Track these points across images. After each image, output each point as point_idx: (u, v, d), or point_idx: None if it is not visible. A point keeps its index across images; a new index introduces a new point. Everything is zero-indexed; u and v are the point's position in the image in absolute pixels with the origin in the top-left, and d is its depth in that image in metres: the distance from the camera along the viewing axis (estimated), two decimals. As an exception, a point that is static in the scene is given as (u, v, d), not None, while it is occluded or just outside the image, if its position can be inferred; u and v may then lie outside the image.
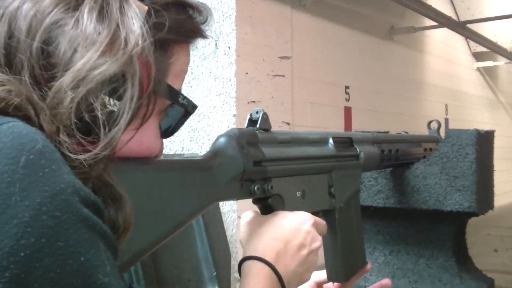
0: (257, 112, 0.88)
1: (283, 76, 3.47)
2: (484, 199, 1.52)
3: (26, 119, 0.51)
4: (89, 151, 0.54)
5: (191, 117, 2.62)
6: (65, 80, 0.54)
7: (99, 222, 0.50)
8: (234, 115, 2.62)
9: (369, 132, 1.29)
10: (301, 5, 3.75)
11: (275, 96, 3.37)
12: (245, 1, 3.02)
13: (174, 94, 0.69)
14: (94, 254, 0.48)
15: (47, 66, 0.55)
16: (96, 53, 0.56)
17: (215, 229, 2.09)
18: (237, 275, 2.59)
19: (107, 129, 0.56)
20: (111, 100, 0.58)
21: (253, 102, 3.12)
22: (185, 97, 0.70)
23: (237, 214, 2.59)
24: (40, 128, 0.51)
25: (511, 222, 5.15)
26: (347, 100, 4.25)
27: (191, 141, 2.50)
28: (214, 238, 2.06)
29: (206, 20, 0.73)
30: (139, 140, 0.64)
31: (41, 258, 0.44)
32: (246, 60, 3.03)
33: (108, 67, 0.56)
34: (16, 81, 0.53)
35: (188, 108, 0.71)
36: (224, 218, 2.30)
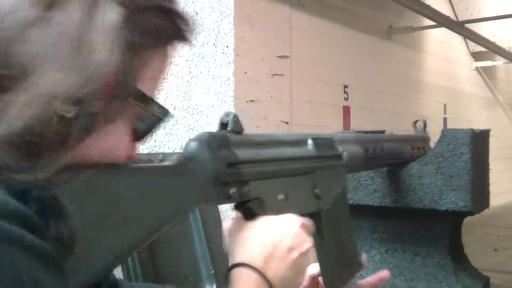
0: (227, 115, 0.87)
1: (282, 75, 3.47)
2: (479, 198, 1.53)
3: None
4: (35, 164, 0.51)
5: (189, 116, 2.63)
6: (17, 96, 0.51)
7: (23, 235, 0.47)
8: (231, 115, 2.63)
9: (351, 132, 1.29)
10: (300, 4, 3.75)
11: (273, 95, 3.38)
12: (243, 0, 3.03)
13: (146, 100, 0.65)
14: (22, 271, 0.45)
15: (2, 69, 0.52)
16: (54, 69, 0.53)
17: (213, 227, 2.10)
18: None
19: (70, 137, 0.54)
20: (69, 108, 0.54)
21: (252, 101, 3.13)
22: (157, 104, 0.67)
23: (235, 212, 2.60)
24: None
25: (508, 222, 5.16)
26: (346, 99, 4.25)
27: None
28: (212, 236, 2.07)
29: (188, 25, 0.69)
30: (105, 145, 0.62)
31: None
32: (244, 59, 3.04)
33: (67, 84, 0.53)
34: None
35: (160, 115, 0.68)
36: (222, 216, 2.31)
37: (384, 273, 1.11)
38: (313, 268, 1.03)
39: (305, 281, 1.04)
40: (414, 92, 5.39)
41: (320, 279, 1.05)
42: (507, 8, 5.75)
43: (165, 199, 0.71)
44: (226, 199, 0.81)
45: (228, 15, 2.80)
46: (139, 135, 0.69)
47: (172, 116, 0.71)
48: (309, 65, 3.82)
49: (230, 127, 0.86)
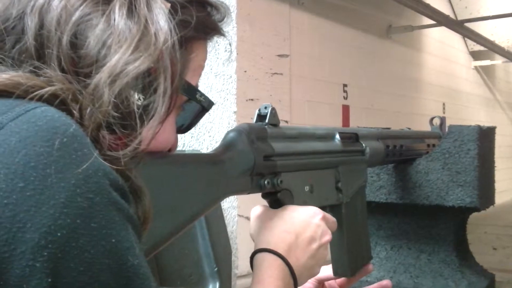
0: (265, 108, 0.89)
1: (281, 74, 3.47)
2: (485, 194, 1.53)
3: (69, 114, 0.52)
4: (125, 145, 0.55)
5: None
6: (102, 76, 0.54)
7: (127, 206, 0.51)
8: (235, 112, 2.63)
9: (374, 128, 1.30)
10: (299, 4, 3.75)
11: (273, 94, 3.38)
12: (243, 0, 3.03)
13: (192, 91, 0.69)
14: (125, 237, 0.49)
15: (75, 59, 0.56)
16: (129, 49, 0.56)
17: (216, 225, 2.10)
18: (237, 271, 2.60)
19: (144, 123, 0.57)
20: (145, 95, 0.58)
21: (251, 100, 3.13)
22: (202, 94, 0.71)
23: (237, 211, 2.60)
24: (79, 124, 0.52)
25: (507, 221, 5.17)
26: (345, 98, 4.26)
27: (192, 137, 2.50)
28: (215, 234, 2.07)
29: (223, 18, 0.73)
30: (162, 135, 0.65)
31: (76, 238, 0.45)
32: (244, 58, 3.04)
33: (142, 62, 0.56)
34: (63, 78, 0.54)
35: (205, 105, 0.72)
36: (224, 215, 2.31)
37: (386, 282, 1.12)
38: (323, 271, 1.04)
39: (312, 283, 1.06)
40: (413, 91, 5.40)
41: (327, 283, 1.08)
42: (506, 7, 5.76)
43: (204, 187, 0.73)
44: (260, 189, 0.85)
45: (231, 13, 2.80)
46: (185, 126, 0.74)
47: (214, 104, 0.74)
48: (309, 64, 3.82)
49: (268, 120, 0.88)
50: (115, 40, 0.57)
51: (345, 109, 4.25)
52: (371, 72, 4.58)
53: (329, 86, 4.08)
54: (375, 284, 1.12)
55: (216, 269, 2.01)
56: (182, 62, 0.65)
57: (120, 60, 0.56)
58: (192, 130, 2.89)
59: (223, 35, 0.74)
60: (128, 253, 0.49)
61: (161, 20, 0.60)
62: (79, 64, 0.56)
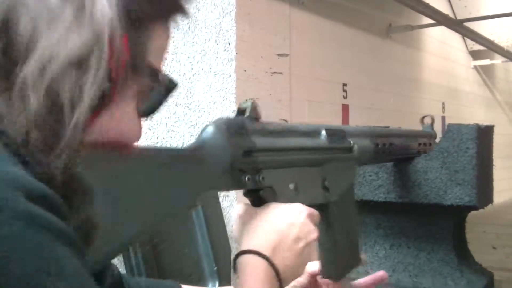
0: (246, 101, 0.86)
1: (281, 73, 3.47)
2: (484, 193, 1.53)
3: None
4: (56, 143, 0.49)
5: (191, 113, 2.63)
6: (30, 67, 0.49)
7: (54, 220, 0.45)
8: (234, 111, 2.63)
9: (364, 126, 1.28)
10: (299, 3, 3.75)
11: (273, 93, 3.38)
12: (243, -1, 3.03)
13: (154, 73, 0.64)
14: (45, 259, 0.42)
15: (7, 47, 0.51)
16: (60, 30, 0.51)
17: (216, 225, 2.10)
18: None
19: (73, 114, 0.51)
20: (78, 80, 0.52)
21: (251, 99, 3.12)
22: (164, 75, 0.65)
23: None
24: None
25: (506, 220, 5.17)
26: (345, 97, 4.25)
27: (191, 136, 2.50)
28: (215, 234, 2.07)
29: None
30: (117, 124, 0.61)
31: None
32: (244, 57, 3.03)
33: (74, 45, 0.51)
34: None
35: (169, 86, 0.66)
36: (224, 214, 2.31)
37: (381, 274, 1.10)
38: (313, 266, 1.02)
39: (305, 278, 1.03)
40: (413, 90, 5.40)
41: (319, 277, 1.04)
42: (506, 6, 5.76)
43: (179, 184, 0.70)
44: (240, 186, 0.81)
45: (230, 12, 2.80)
46: (146, 110, 0.67)
47: (178, 86, 0.69)
48: (309, 63, 3.82)
49: (248, 114, 0.84)
50: (46, 20, 0.51)
51: (345, 109, 4.25)
52: (371, 71, 4.58)
53: (329, 85, 4.07)
54: (370, 276, 1.09)
55: (215, 268, 2.01)
56: (138, 43, 0.60)
57: (49, 44, 0.50)
58: (191, 129, 2.87)
59: (185, 13, 0.68)
60: (46, 279, 0.42)
61: None
62: (11, 50, 0.51)
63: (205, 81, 2.51)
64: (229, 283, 2.16)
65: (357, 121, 4.20)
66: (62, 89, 0.51)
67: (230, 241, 2.18)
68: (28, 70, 0.49)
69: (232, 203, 2.55)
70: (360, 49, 4.44)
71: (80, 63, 0.52)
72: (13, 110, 0.48)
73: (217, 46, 2.64)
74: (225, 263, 2.08)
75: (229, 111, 2.62)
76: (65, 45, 0.51)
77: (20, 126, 0.48)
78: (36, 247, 0.42)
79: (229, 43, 2.78)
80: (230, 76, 2.64)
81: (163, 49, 0.67)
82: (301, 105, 3.74)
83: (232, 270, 0.78)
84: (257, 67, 3.22)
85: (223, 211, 2.26)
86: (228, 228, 2.25)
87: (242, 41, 2.98)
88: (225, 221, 2.24)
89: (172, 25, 0.68)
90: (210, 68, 2.55)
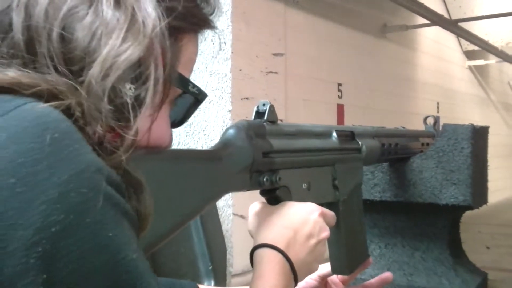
0: (264, 105, 0.89)
1: (277, 73, 3.47)
2: (479, 192, 1.54)
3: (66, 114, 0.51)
4: (120, 138, 0.55)
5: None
6: (94, 72, 0.54)
7: (123, 201, 0.51)
8: (230, 111, 2.63)
9: (369, 126, 1.31)
10: (295, 2, 3.76)
11: (268, 93, 3.38)
12: (239, -2, 3.03)
13: (185, 82, 0.68)
14: (121, 231, 0.49)
15: (66, 54, 0.55)
16: (118, 40, 0.56)
17: (212, 224, 2.10)
18: (232, 269, 2.60)
19: (137, 113, 0.57)
20: (136, 84, 0.58)
21: (247, 98, 3.13)
22: (195, 85, 0.70)
23: (232, 209, 2.60)
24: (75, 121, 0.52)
25: (501, 220, 5.19)
26: (340, 97, 4.26)
27: (187, 136, 2.50)
28: (211, 233, 2.07)
29: (214, 11, 0.72)
30: (156, 130, 0.65)
31: (70, 234, 0.45)
32: (239, 57, 3.04)
33: (132, 52, 0.56)
34: (56, 74, 0.53)
35: (199, 97, 0.71)
36: (219, 213, 2.31)
37: (387, 275, 1.13)
38: (323, 268, 1.06)
39: (316, 280, 1.07)
40: (408, 90, 5.41)
41: (329, 279, 1.09)
42: (500, 7, 5.78)
43: (202, 184, 0.73)
44: (258, 186, 0.85)
45: (226, 11, 2.80)
46: (177, 119, 0.73)
47: (207, 96, 0.73)
48: (304, 63, 3.82)
49: (266, 117, 0.88)
50: (104, 31, 0.56)
51: (340, 108, 4.25)
52: (366, 71, 4.59)
53: (324, 85, 4.08)
54: (376, 278, 1.12)
55: (211, 267, 2.02)
56: (173, 52, 0.64)
57: (110, 53, 0.55)
58: (187, 128, 2.89)
59: (213, 28, 0.73)
60: (124, 248, 0.48)
61: (148, 7, 0.59)
62: (70, 58, 0.55)
63: (201, 80, 2.52)
64: (224, 283, 2.16)
65: (352, 120, 4.21)
66: (125, 91, 0.56)
67: (226, 240, 2.19)
68: (93, 75, 0.54)
69: (228, 202, 2.55)
70: (355, 48, 4.45)
71: (138, 71, 0.58)
72: (79, 108, 0.52)
73: (212, 45, 2.63)
74: (221, 262, 2.08)
75: (225, 111, 2.62)
76: (123, 54, 0.56)
77: (86, 121, 0.52)
78: (120, 226, 0.49)
79: (225, 43, 2.78)
80: (225, 75, 2.64)
81: (192, 61, 0.71)
82: (297, 104, 3.75)
83: (250, 264, 0.81)
84: (253, 66, 3.22)
85: (218, 210, 2.26)
86: (223, 228, 2.25)
87: (237, 40, 2.98)
88: (221, 220, 2.24)
89: (200, 39, 0.72)
90: (206, 67, 2.55)
